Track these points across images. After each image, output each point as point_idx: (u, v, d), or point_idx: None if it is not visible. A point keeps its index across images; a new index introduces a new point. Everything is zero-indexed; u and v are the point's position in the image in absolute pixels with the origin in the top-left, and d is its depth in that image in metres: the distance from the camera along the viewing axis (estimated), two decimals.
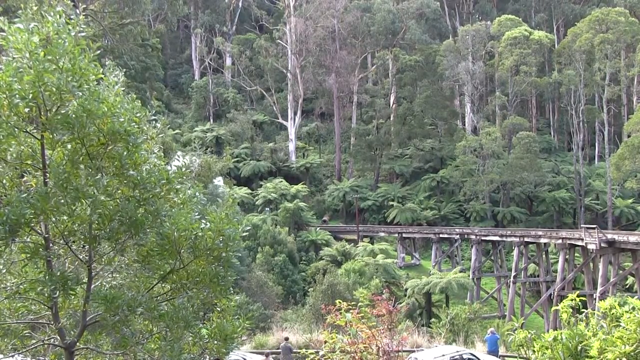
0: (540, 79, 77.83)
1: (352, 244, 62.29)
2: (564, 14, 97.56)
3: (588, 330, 6.85)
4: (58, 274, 7.05)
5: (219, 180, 72.15)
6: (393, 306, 16.43)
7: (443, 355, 22.59)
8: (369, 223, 73.99)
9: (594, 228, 45.16)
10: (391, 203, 74.93)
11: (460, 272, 53.28)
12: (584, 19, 77.94)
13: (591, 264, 47.94)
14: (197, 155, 43.14)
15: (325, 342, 14.67)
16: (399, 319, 19.19)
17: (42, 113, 6.89)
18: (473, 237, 58.34)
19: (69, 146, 7.10)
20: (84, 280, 7.49)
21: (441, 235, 62.67)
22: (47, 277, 7.05)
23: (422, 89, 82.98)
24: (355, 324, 14.39)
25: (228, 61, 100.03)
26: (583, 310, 8.00)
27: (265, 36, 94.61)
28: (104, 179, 6.96)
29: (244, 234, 8.22)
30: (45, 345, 8.13)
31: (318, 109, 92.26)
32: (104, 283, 7.98)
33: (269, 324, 39.86)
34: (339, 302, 15.20)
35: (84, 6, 46.39)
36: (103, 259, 7.76)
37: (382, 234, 68.24)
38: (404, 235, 65.40)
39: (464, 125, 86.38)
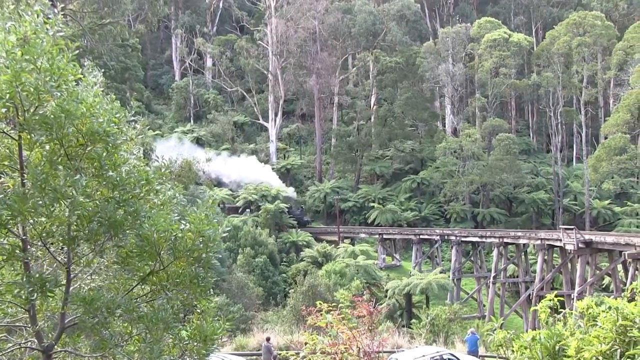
0: (519, 81, 78.63)
1: (333, 245, 62.39)
2: (543, 17, 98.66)
3: (566, 330, 6.92)
4: (37, 275, 6.97)
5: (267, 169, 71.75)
6: (373, 307, 16.48)
7: (423, 355, 22.68)
8: (349, 224, 74.15)
9: (571, 229, 45.69)
10: (372, 204, 75.15)
11: (441, 273, 53.61)
12: (562, 22, 78.98)
13: (569, 265, 48.50)
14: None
15: (306, 343, 14.68)
16: (379, 320, 19.26)
17: (20, 113, 6.81)
18: (453, 238, 58.70)
19: (47, 147, 7.03)
20: (62, 282, 7.42)
21: (421, 237, 62.96)
22: (24, 280, 6.97)
23: (403, 90, 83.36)
24: (335, 325, 14.42)
25: (209, 62, 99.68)
26: (561, 310, 8.10)
27: (246, 37, 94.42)
28: (82, 180, 6.89)
29: (224, 235, 8.19)
30: (22, 349, 8.03)
31: (299, 110, 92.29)
32: (83, 285, 7.91)
33: (250, 325, 39.74)
34: (320, 303, 15.22)
35: (63, 5, 45.82)
36: (82, 261, 7.69)
37: (363, 235, 68.44)
38: (384, 236, 65.64)
39: (444, 126, 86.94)
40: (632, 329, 6.00)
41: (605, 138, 65.58)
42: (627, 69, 70.54)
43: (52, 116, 6.70)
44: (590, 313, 6.81)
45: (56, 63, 6.78)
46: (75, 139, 6.98)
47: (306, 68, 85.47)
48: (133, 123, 7.91)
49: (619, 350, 6.07)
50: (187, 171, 33.46)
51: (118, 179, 7.21)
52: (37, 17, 6.87)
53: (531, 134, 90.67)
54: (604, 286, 53.20)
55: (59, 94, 6.78)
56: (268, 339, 25.59)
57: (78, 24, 48.37)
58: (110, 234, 7.28)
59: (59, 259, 7.63)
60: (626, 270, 43.32)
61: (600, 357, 6.13)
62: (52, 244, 7.58)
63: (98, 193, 7.32)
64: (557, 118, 76.66)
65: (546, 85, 76.08)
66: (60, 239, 7.36)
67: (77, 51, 7.24)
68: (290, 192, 73.00)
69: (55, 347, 7.73)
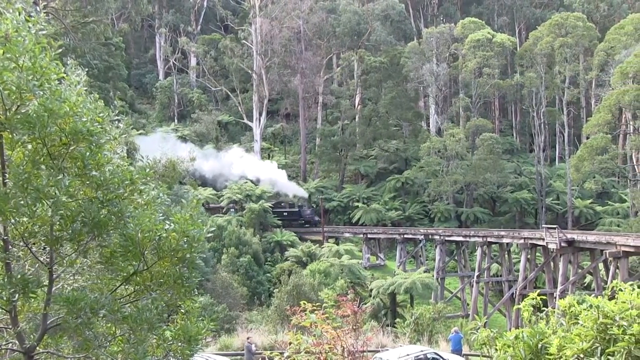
0: (502, 81, 79.06)
1: (318, 244, 62.37)
2: (526, 17, 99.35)
3: (548, 328, 6.99)
4: (19, 276, 6.91)
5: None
6: (358, 306, 16.50)
7: (407, 354, 22.77)
8: (334, 224, 74.12)
9: (554, 228, 46.07)
10: (356, 204, 75.22)
11: (425, 272, 53.80)
12: (544, 23, 79.51)
13: (552, 263, 48.91)
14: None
15: (290, 343, 14.66)
16: (363, 320, 19.27)
17: (1, 112, 6.75)
18: (437, 237, 58.90)
19: (30, 146, 6.98)
20: (44, 283, 7.36)
21: (406, 236, 63.10)
22: (5, 280, 6.91)
23: (387, 90, 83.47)
24: (320, 325, 14.42)
25: (193, 61, 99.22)
26: (544, 308, 8.17)
27: (231, 36, 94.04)
28: (66, 180, 6.84)
29: (209, 235, 8.17)
30: (3, 351, 7.96)
31: (283, 109, 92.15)
32: (66, 285, 7.86)
33: (234, 325, 39.70)
34: (304, 303, 15.21)
35: (45, 3, 45.47)
36: (65, 261, 7.63)
37: (347, 235, 68.46)
38: (369, 235, 65.70)
39: (429, 126, 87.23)
40: (612, 327, 6.08)
41: (587, 138, 66.18)
42: (608, 70, 71.23)
43: (34, 115, 6.65)
44: (572, 311, 6.88)
45: (38, 62, 6.73)
46: (58, 139, 6.93)
47: (290, 67, 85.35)
48: (117, 122, 7.86)
49: (599, 348, 6.14)
50: (171, 171, 33.27)
51: (102, 178, 7.17)
52: (19, 15, 6.82)
53: (514, 134, 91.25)
54: (585, 284, 53.66)
55: (41, 92, 6.73)
56: (248, 338, 25.80)
57: (60, 22, 47.96)
58: (93, 234, 7.24)
59: (41, 259, 7.57)
60: (607, 269, 43.81)
61: (582, 355, 6.20)
62: (34, 244, 7.52)
63: (81, 193, 7.28)
64: (540, 118, 77.25)
65: (529, 86, 76.63)
66: (43, 239, 7.31)
67: (60, 50, 7.20)
68: (302, 192, 72.53)
69: (37, 348, 7.67)
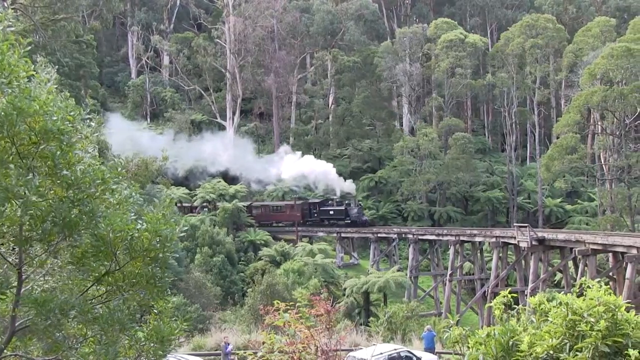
0: (475, 81, 79.86)
1: (291, 244, 62.32)
2: (497, 18, 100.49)
3: (519, 326, 7.07)
4: None
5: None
6: (331, 306, 16.51)
7: (381, 353, 22.87)
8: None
9: (525, 226, 46.73)
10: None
11: (398, 271, 54.10)
12: (515, 24, 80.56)
13: (523, 261, 49.56)
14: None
15: (264, 342, 14.62)
16: (337, 319, 19.33)
17: None
18: (410, 236, 59.25)
19: None
20: (13, 284, 7.24)
21: (379, 235, 63.36)
22: None
23: (361, 89, 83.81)
24: (293, 324, 14.40)
25: (166, 60, 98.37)
26: (515, 306, 8.27)
27: (204, 35, 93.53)
28: (35, 179, 6.74)
29: (182, 234, 8.11)
30: None
31: (257, 108, 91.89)
32: (35, 286, 7.73)
33: (208, 325, 39.45)
34: (278, 302, 15.18)
35: None
36: (34, 262, 7.51)
37: (321, 234, 68.47)
38: (342, 235, 65.78)
39: (402, 126, 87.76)
40: (580, 323, 6.18)
41: (557, 138, 67.05)
42: (577, 71, 72.33)
43: (2, 114, 6.54)
44: (542, 308, 6.97)
45: (7, 59, 6.62)
46: (27, 137, 6.82)
47: (264, 67, 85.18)
48: (88, 121, 7.77)
49: (568, 344, 6.24)
50: (144, 170, 32.95)
51: (72, 178, 7.07)
52: None
53: (486, 134, 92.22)
54: (555, 282, 54.49)
55: (10, 90, 6.62)
56: (225, 338, 25.96)
57: (29, 19, 47.18)
58: (64, 234, 7.13)
59: (10, 260, 7.45)
60: (577, 266, 44.54)
61: (551, 351, 6.30)
62: (2, 244, 7.39)
63: (52, 192, 7.17)
64: (512, 118, 78.21)
65: (501, 86, 77.53)
66: (12, 239, 7.19)
67: (29, 47, 7.09)
68: (348, 187, 69.01)
69: (5, 351, 7.54)
